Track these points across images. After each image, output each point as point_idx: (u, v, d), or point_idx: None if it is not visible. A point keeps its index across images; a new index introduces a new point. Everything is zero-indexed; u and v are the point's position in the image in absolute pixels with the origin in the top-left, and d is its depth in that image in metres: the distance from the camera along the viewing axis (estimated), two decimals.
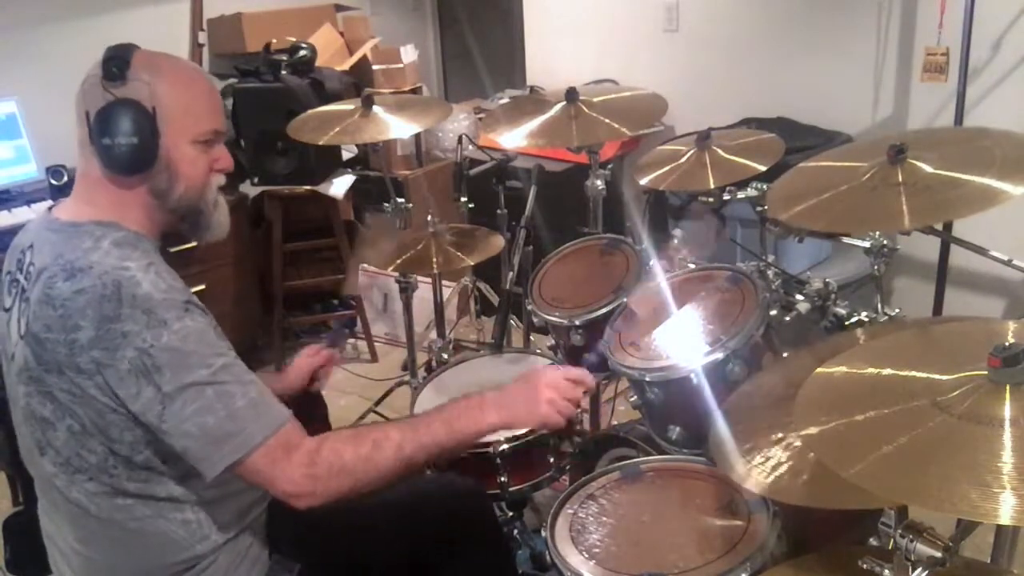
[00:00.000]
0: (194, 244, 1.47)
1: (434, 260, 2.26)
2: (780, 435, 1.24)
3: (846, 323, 1.74)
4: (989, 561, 1.22)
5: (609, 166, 2.38)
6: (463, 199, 2.65)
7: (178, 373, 1.19)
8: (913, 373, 0.98)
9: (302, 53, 3.40)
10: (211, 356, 1.22)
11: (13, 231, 1.39)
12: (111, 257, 1.23)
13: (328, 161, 3.39)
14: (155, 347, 1.18)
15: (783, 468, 1.19)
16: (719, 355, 1.59)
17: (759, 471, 1.20)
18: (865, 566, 1.01)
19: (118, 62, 1.27)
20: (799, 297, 1.81)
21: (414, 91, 3.84)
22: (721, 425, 1.34)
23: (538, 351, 2.13)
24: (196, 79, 1.36)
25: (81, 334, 1.18)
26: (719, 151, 1.96)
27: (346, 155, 3.56)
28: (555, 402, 1.42)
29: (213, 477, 1.23)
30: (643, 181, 2.00)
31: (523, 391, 1.43)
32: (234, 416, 1.21)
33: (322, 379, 1.80)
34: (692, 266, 1.99)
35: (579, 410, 1.68)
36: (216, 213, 1.40)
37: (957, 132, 2.23)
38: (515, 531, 2.01)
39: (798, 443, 1.21)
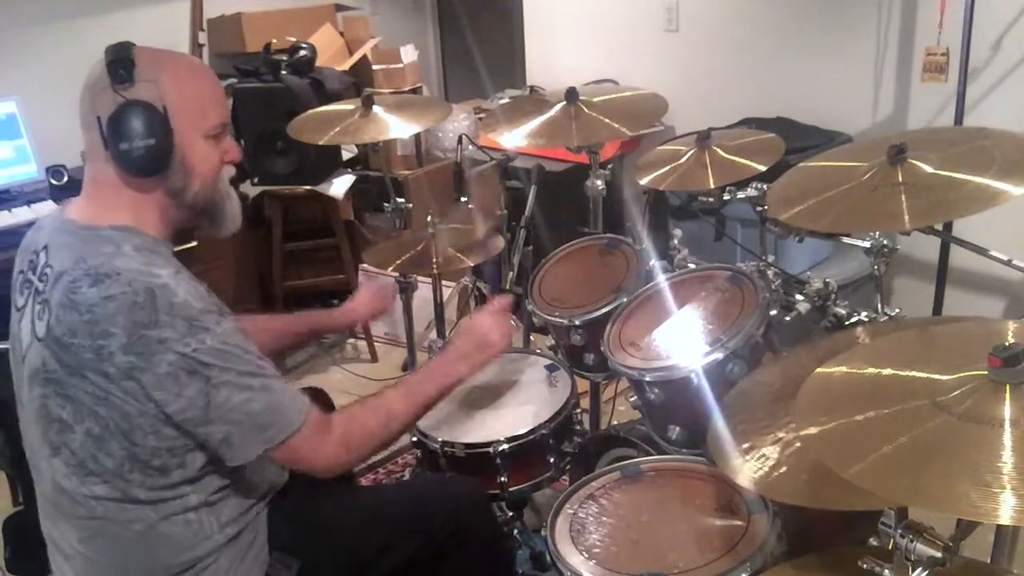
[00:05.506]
0: (194, 244, 1.48)
1: (434, 260, 2.26)
2: (780, 435, 1.24)
3: (846, 323, 1.73)
4: (989, 561, 1.22)
5: (609, 166, 2.38)
6: (463, 199, 2.65)
7: (225, 367, 1.25)
8: (913, 373, 0.98)
9: (302, 53, 3.40)
10: (248, 351, 1.29)
11: (13, 231, 1.39)
12: (136, 263, 1.24)
13: (328, 161, 3.39)
14: (199, 350, 1.22)
15: (783, 468, 1.19)
16: (719, 355, 1.59)
17: (759, 471, 1.20)
18: (865, 566, 1.00)
19: (123, 64, 1.27)
20: (799, 297, 1.81)
21: (414, 91, 3.84)
22: (720, 424, 1.34)
23: (538, 351, 2.13)
24: (201, 73, 1.37)
25: (112, 340, 1.19)
26: (719, 151, 1.95)
27: (346, 155, 3.56)
28: (499, 337, 1.67)
29: (250, 459, 1.31)
30: (643, 181, 2.00)
31: (473, 340, 1.66)
32: (277, 402, 1.31)
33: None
34: (692, 266, 1.99)
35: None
36: (230, 204, 1.42)
37: (957, 132, 2.22)
38: (515, 531, 2.01)
39: (798, 443, 1.21)
